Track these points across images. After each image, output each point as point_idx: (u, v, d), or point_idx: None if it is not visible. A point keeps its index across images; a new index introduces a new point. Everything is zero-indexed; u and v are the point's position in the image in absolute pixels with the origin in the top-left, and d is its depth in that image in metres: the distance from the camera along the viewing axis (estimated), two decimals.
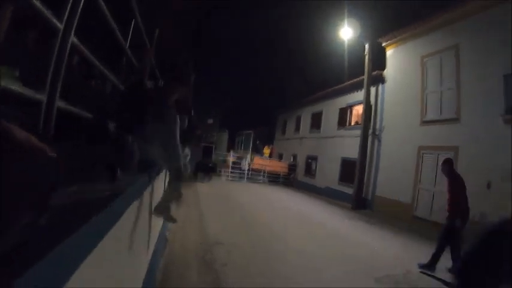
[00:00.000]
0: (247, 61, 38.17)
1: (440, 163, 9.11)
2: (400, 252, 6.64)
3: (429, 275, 5.20)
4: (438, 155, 9.39)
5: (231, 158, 19.13)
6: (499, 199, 7.25)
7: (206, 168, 16.50)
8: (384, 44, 12.90)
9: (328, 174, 16.16)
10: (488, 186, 7.65)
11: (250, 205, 10.15)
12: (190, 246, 5.18)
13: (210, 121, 19.55)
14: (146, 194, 2.27)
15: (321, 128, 18.21)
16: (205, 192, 11.85)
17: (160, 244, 4.00)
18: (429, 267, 5.29)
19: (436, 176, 9.43)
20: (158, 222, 3.62)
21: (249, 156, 20.21)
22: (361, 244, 7.00)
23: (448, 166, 5.50)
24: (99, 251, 1.02)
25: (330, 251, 6.12)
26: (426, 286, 4.78)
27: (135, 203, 1.73)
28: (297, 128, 21.71)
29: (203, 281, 3.87)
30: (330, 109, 17.35)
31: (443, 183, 9.08)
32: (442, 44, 9.92)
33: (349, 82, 15.50)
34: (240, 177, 18.12)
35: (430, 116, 10.06)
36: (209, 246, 5.26)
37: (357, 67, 14.36)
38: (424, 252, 6.84)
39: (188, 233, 5.99)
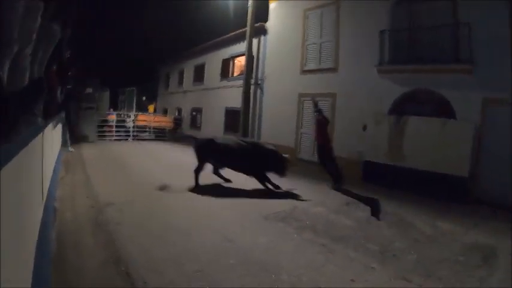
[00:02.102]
0: (124, 16, 31.77)
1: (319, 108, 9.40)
2: (286, 192, 6.50)
3: None
4: (317, 101, 9.47)
5: (113, 116, 16.06)
6: (374, 139, 7.67)
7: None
8: None
9: (214, 124, 15.26)
10: (364, 128, 8.01)
11: (136, 164, 8.76)
12: (82, 212, 4.62)
13: (89, 90, 15.62)
14: (25, 156, 1.69)
15: (204, 80, 16.84)
16: (91, 154, 9.77)
17: (49, 215, 3.28)
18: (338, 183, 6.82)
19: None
20: (42, 190, 2.80)
21: (132, 114, 17.59)
22: (249, 187, 6.53)
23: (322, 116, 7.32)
24: None
25: (218, 196, 5.82)
26: (312, 219, 4.81)
27: (12, 167, 1.15)
28: (180, 82, 19.64)
29: (98, 243, 3.53)
30: (213, 61, 15.98)
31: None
32: None
33: (232, 34, 14.29)
34: (126, 136, 15.50)
35: (309, 65, 10.04)
36: (100, 209, 4.74)
37: (240, 19, 13.24)
38: (309, 189, 6.83)
39: (77, 199, 5.25)
